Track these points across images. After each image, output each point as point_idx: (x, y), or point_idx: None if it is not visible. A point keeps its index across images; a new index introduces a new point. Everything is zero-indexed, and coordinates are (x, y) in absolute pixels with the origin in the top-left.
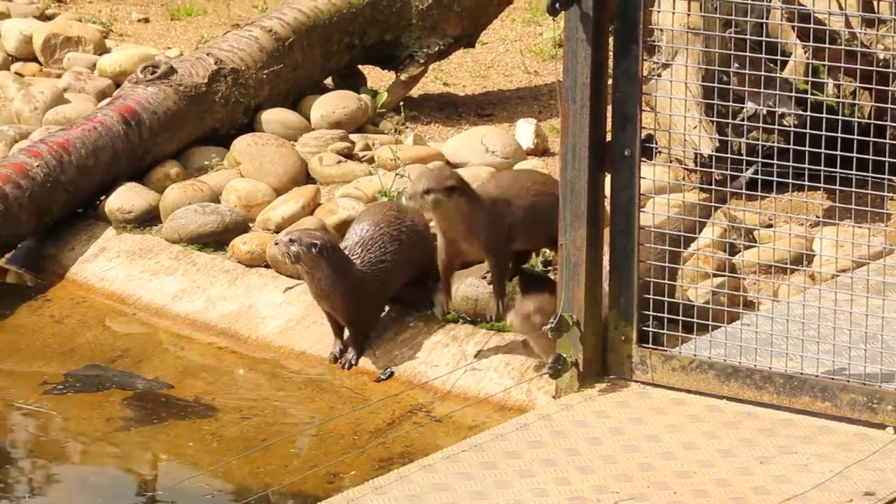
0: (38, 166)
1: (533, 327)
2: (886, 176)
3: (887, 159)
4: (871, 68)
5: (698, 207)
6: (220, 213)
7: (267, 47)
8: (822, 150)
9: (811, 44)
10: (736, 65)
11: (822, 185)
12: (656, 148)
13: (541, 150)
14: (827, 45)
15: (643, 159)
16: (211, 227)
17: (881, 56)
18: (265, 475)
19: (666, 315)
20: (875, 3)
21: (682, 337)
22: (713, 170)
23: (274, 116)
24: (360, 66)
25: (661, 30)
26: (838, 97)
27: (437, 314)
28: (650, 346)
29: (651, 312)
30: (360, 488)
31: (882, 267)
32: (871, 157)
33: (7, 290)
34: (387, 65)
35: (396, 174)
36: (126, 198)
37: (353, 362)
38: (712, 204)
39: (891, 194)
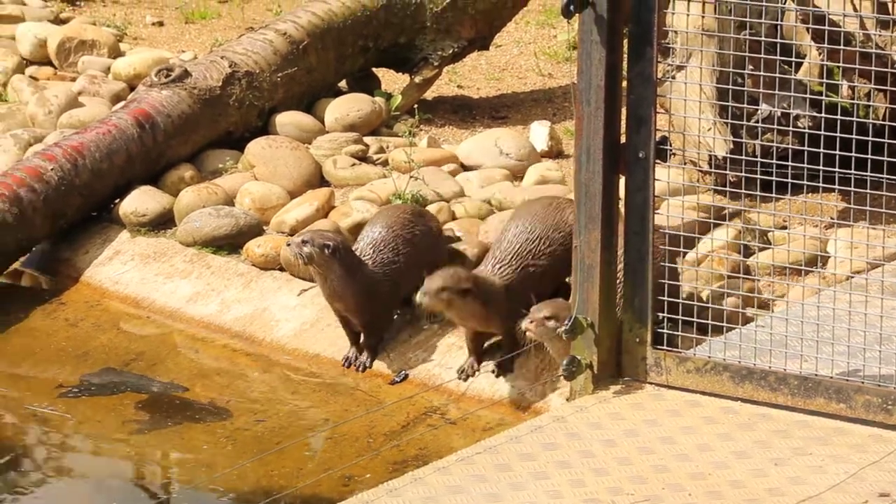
0: (52, 170)
1: (547, 332)
2: None
3: None
4: (885, 70)
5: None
6: (234, 216)
7: (281, 50)
8: (837, 152)
9: (826, 45)
10: (750, 67)
11: (836, 186)
12: (671, 150)
13: (555, 153)
14: (841, 47)
15: (657, 161)
16: (225, 230)
17: None
18: (279, 478)
19: (680, 317)
20: (890, 5)
21: (697, 339)
22: (727, 172)
23: (288, 119)
24: (374, 69)
25: (676, 32)
26: (853, 99)
27: (461, 376)
28: (665, 347)
29: (665, 314)
30: (375, 491)
31: None
32: (885, 158)
33: (22, 294)
34: (401, 67)
35: (410, 177)
36: (140, 201)
37: (367, 365)
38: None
39: None
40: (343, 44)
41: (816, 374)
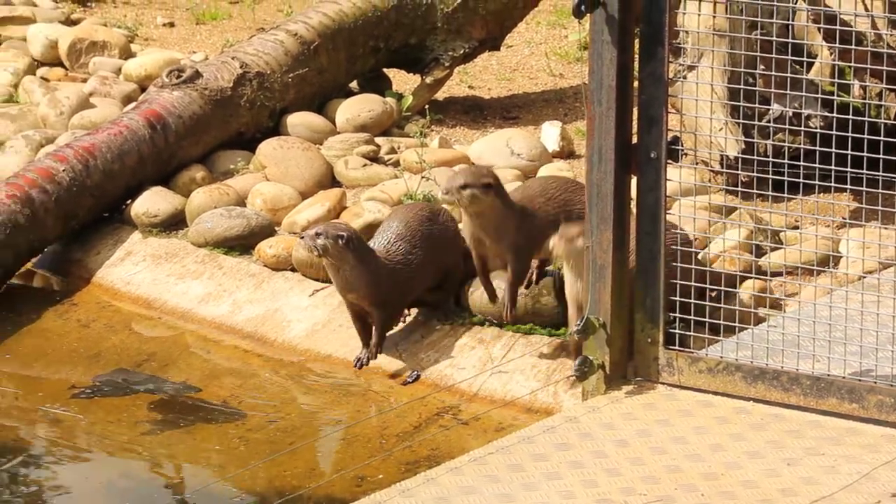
0: (64, 171)
1: (575, 251)
2: None
3: None
4: None
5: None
6: (245, 217)
7: (292, 51)
8: (849, 152)
9: (837, 45)
10: (762, 67)
11: (848, 186)
12: (682, 150)
13: (566, 153)
14: (853, 47)
15: (669, 161)
16: (237, 230)
17: None
18: (292, 478)
19: (692, 317)
20: None
21: (709, 339)
22: (739, 172)
23: (299, 120)
24: (385, 70)
25: (687, 32)
26: (864, 99)
27: (491, 301)
28: (677, 348)
29: (677, 314)
30: (388, 491)
31: None
32: None
33: (34, 295)
34: (412, 68)
35: (422, 177)
36: (152, 202)
37: (376, 351)
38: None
39: None
40: (354, 44)
41: (829, 375)
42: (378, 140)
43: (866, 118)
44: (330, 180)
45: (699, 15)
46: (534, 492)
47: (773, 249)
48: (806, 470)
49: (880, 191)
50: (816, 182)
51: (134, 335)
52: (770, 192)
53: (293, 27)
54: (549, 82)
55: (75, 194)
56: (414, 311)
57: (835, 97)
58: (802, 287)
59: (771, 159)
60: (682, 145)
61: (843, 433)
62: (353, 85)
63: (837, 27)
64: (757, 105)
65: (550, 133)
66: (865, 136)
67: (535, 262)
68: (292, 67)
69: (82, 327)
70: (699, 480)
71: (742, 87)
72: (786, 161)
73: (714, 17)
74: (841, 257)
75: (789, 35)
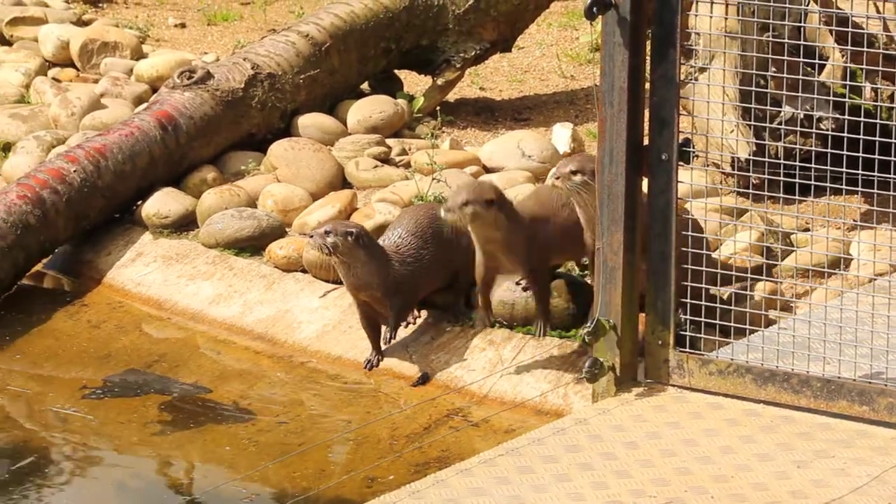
0: (75, 171)
1: (574, 185)
2: None
3: None
4: None
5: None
6: (256, 218)
7: (304, 52)
8: (860, 154)
9: (849, 47)
10: (773, 69)
11: (859, 188)
12: (693, 152)
13: None
14: (864, 49)
15: (680, 163)
16: (248, 231)
17: None
18: (302, 480)
19: (703, 319)
20: None
21: (719, 341)
22: (750, 174)
23: (310, 121)
24: (396, 71)
25: (699, 34)
26: (876, 101)
27: (479, 326)
28: (687, 350)
29: (688, 316)
30: (398, 492)
31: None
32: None
33: (44, 295)
34: (423, 69)
35: (433, 179)
36: (163, 203)
37: (390, 336)
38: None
39: None
40: (365, 45)
41: (839, 377)
42: (389, 141)
43: (878, 120)
44: (341, 181)
45: (711, 17)
46: (543, 493)
47: (783, 252)
48: (816, 472)
49: (891, 193)
50: (827, 184)
51: (144, 336)
52: (781, 195)
53: (304, 28)
54: (560, 84)
55: (86, 195)
56: (424, 312)
57: (846, 99)
58: (813, 289)
59: (782, 161)
60: (694, 147)
61: (854, 436)
62: (365, 86)
63: (849, 29)
64: (768, 107)
65: (561, 135)
66: (877, 138)
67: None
68: (303, 69)
69: (93, 328)
70: (709, 482)
71: (753, 89)
72: (797, 163)
73: (726, 18)
74: (851, 260)
75: (801, 37)
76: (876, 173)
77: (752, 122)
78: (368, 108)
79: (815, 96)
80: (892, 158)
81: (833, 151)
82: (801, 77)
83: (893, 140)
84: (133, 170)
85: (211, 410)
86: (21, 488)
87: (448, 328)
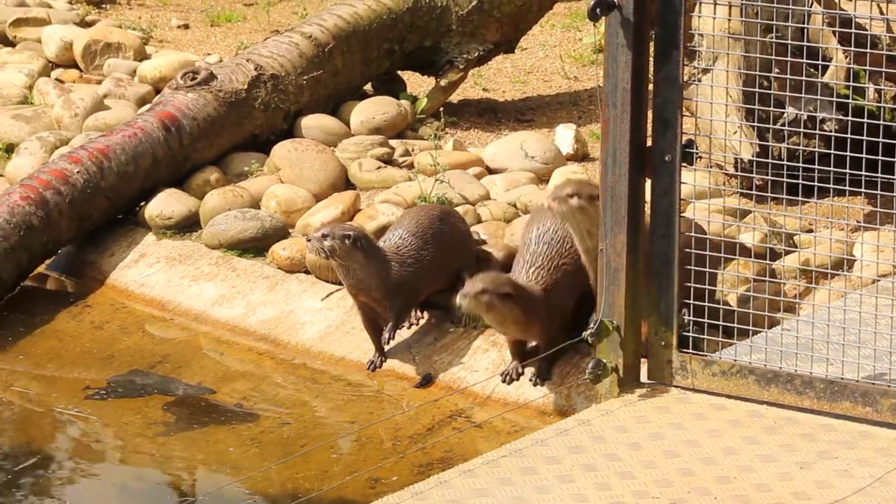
0: (78, 172)
1: (571, 209)
2: None
3: None
4: None
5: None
6: (259, 219)
7: (307, 53)
8: (863, 155)
9: (852, 49)
10: (776, 70)
11: (862, 190)
12: (697, 153)
13: (580, 156)
14: (868, 50)
15: (684, 164)
16: (251, 232)
17: None
18: (305, 480)
19: (706, 320)
20: None
21: (723, 342)
22: (753, 175)
23: (314, 122)
24: (399, 72)
25: (702, 35)
26: (879, 102)
27: (504, 379)
28: (690, 351)
29: (691, 317)
30: (400, 494)
31: None
32: None
33: (47, 296)
34: (426, 70)
35: (436, 180)
36: (166, 204)
37: (389, 336)
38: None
39: None
40: (368, 47)
41: (842, 378)
42: (392, 142)
43: (881, 121)
44: (344, 182)
45: (714, 18)
46: (546, 495)
47: (787, 253)
48: (819, 473)
49: (895, 194)
50: (831, 185)
51: (147, 337)
52: (784, 196)
53: (308, 29)
54: (563, 85)
55: (89, 196)
56: (426, 314)
57: (849, 100)
58: (816, 290)
59: (785, 162)
60: (697, 148)
61: (857, 437)
62: (368, 87)
63: (852, 30)
64: (771, 108)
65: (565, 136)
66: (880, 139)
67: None
68: (307, 70)
69: (96, 329)
70: (712, 484)
71: (757, 90)
72: (800, 164)
73: (729, 20)
74: (855, 261)
75: (804, 38)
76: (879, 174)
77: (756, 124)
78: (372, 110)
79: (819, 97)
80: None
81: (836, 153)
82: (804, 78)
83: None
84: (136, 171)
85: (214, 411)
86: (25, 489)
87: (451, 329)
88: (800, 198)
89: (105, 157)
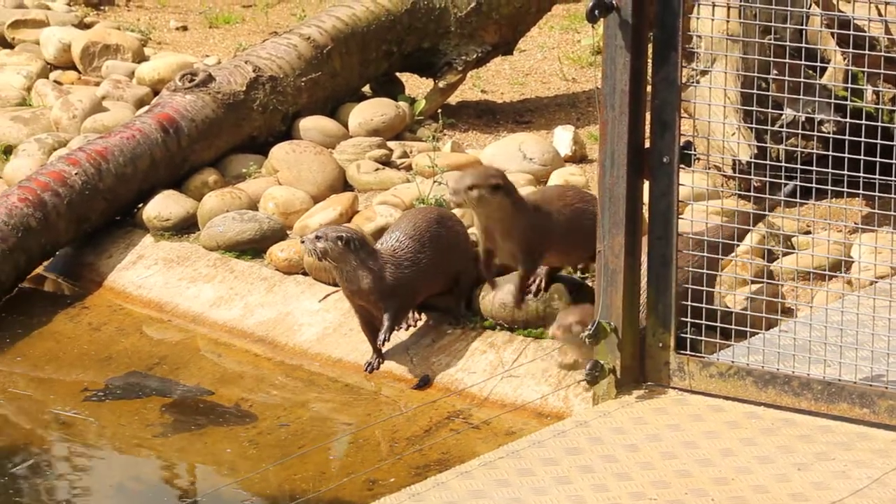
0: (76, 174)
1: (574, 338)
2: None
3: None
4: None
5: (738, 215)
6: (257, 221)
7: (305, 55)
8: (861, 157)
9: (850, 50)
10: (775, 71)
11: (860, 191)
12: (695, 155)
13: (579, 157)
14: (866, 52)
15: (682, 166)
16: (249, 234)
17: None
18: (302, 482)
19: (704, 322)
20: None
21: (720, 343)
22: (752, 177)
23: (312, 124)
24: (398, 74)
25: (700, 36)
26: (877, 104)
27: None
28: (688, 352)
29: (689, 319)
30: (398, 495)
31: None
32: None
33: (45, 298)
34: (425, 72)
35: (434, 181)
36: (164, 205)
37: (384, 338)
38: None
39: None
40: (367, 48)
41: (840, 379)
42: (390, 144)
43: (879, 123)
44: (342, 184)
45: (713, 20)
46: (544, 496)
47: (784, 254)
48: (816, 475)
49: (892, 196)
50: (829, 187)
51: (145, 338)
52: (782, 198)
53: (306, 31)
54: (561, 87)
55: (87, 198)
56: (424, 316)
57: (848, 102)
58: (814, 292)
59: (783, 164)
60: (695, 150)
61: (854, 438)
62: (366, 89)
63: (851, 32)
64: (770, 110)
65: (563, 137)
66: (878, 141)
67: (544, 269)
68: (305, 71)
69: (94, 330)
70: (709, 485)
71: (755, 91)
72: (798, 166)
73: (727, 21)
74: (853, 262)
75: (802, 40)
76: (877, 176)
77: (754, 125)
78: (370, 111)
79: (817, 99)
80: (894, 161)
81: (834, 154)
82: (802, 80)
83: (895, 143)
84: (134, 172)
85: (212, 413)
86: (22, 490)
87: (449, 331)
88: (798, 199)
89: (103, 159)
